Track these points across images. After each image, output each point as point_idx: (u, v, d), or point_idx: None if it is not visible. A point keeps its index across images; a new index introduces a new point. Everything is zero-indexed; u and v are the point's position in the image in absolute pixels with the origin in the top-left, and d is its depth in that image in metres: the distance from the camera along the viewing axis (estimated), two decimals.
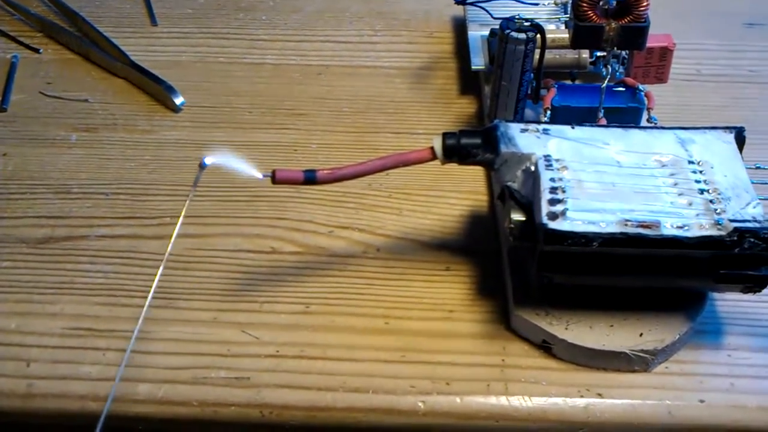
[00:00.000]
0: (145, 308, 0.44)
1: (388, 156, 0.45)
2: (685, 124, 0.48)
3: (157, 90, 0.62)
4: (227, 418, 0.44)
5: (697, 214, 0.42)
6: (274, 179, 0.44)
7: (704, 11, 0.72)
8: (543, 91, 0.55)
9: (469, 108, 0.62)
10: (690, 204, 0.43)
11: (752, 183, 0.44)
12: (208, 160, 0.43)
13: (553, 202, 0.42)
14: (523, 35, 0.51)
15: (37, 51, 0.67)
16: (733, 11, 0.72)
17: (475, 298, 0.49)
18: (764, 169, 0.48)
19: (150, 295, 0.44)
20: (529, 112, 0.56)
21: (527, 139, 0.45)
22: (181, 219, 0.44)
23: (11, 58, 0.66)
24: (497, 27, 0.54)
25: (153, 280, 0.49)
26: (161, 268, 0.44)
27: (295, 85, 0.64)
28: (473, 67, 0.60)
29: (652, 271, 0.43)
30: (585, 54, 0.58)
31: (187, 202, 0.44)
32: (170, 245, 0.44)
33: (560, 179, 0.43)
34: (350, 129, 0.60)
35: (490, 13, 0.57)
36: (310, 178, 0.44)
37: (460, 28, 0.69)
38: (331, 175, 0.45)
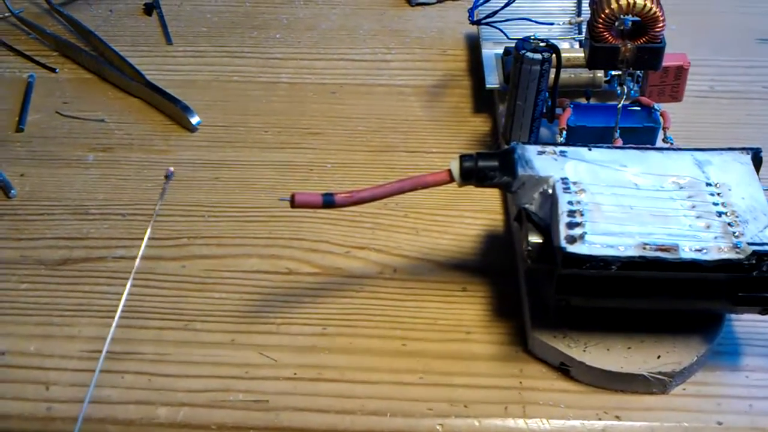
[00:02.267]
0: (113, 328, 0.44)
1: (406, 179, 0.46)
2: (699, 142, 0.48)
3: (173, 110, 0.62)
4: None
5: (716, 237, 0.42)
6: (293, 203, 0.44)
7: (717, 27, 0.72)
8: (558, 111, 0.55)
9: (483, 126, 0.62)
10: (708, 227, 0.43)
11: None
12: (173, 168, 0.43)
13: (571, 225, 0.42)
14: (538, 56, 0.52)
15: (53, 70, 0.67)
16: (746, 27, 0.72)
17: (492, 320, 0.49)
18: None
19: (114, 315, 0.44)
20: (544, 132, 0.56)
21: (544, 162, 0.45)
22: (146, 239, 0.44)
23: (28, 78, 0.66)
24: (511, 45, 0.54)
25: (170, 302, 0.50)
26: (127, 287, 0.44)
27: (309, 104, 0.64)
28: (487, 86, 0.60)
29: (670, 294, 0.43)
30: (600, 73, 0.58)
31: (153, 216, 0.44)
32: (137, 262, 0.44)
33: (578, 202, 0.43)
34: (365, 148, 0.60)
35: (504, 33, 0.57)
36: (329, 202, 0.44)
37: (473, 46, 0.69)
38: (350, 199, 0.45)
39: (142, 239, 0.53)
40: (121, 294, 0.50)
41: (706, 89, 0.65)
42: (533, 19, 0.59)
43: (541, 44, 0.52)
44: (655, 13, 0.49)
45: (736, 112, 0.64)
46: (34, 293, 0.50)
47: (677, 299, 0.44)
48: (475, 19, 0.59)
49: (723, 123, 0.63)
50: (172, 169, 0.42)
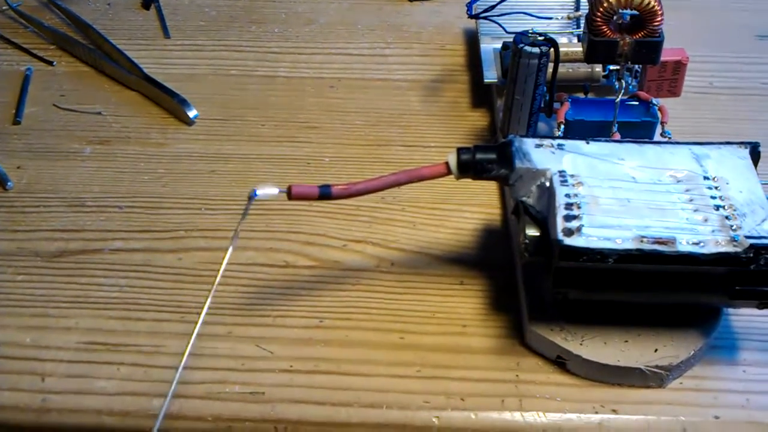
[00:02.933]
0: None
1: (403, 171, 0.46)
2: (697, 137, 0.48)
3: (170, 103, 0.62)
4: None
5: (713, 231, 0.42)
6: (290, 195, 0.44)
7: (716, 23, 0.72)
8: (556, 105, 0.55)
9: (481, 121, 0.62)
10: (706, 220, 0.43)
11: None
12: (260, 192, 0.43)
13: (568, 218, 0.42)
14: (536, 50, 0.52)
15: (50, 63, 0.67)
16: (745, 23, 0.72)
17: (489, 313, 0.49)
18: None
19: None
20: (542, 126, 0.56)
21: (542, 155, 0.45)
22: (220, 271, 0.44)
23: (25, 71, 0.66)
24: (509, 40, 0.54)
25: (167, 294, 0.50)
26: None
27: (307, 98, 0.64)
28: (486, 81, 0.60)
29: (667, 287, 0.43)
30: (598, 68, 0.58)
31: (235, 240, 0.45)
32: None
33: (575, 195, 0.43)
34: (363, 142, 0.60)
35: (503, 27, 0.57)
36: (326, 194, 0.44)
37: (472, 40, 0.69)
38: (346, 191, 0.45)
39: (140, 231, 0.53)
40: (119, 286, 0.50)
41: (705, 85, 0.65)
42: (531, 13, 0.58)
43: (540, 38, 0.52)
44: (654, 7, 0.49)
45: (734, 108, 0.64)
46: (30, 285, 0.50)
47: (674, 293, 0.44)
48: (473, 13, 0.59)
49: (722, 119, 0.63)
50: (258, 192, 0.43)
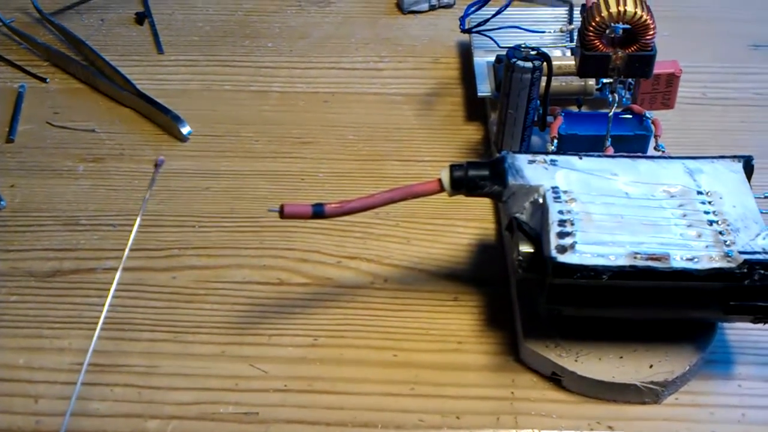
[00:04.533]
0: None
1: (396, 188, 0.45)
2: (691, 149, 0.48)
3: (164, 119, 0.62)
4: None
5: (707, 246, 0.42)
6: (282, 214, 0.44)
7: (709, 34, 0.72)
8: (550, 119, 0.54)
9: (475, 135, 0.62)
10: (699, 236, 0.42)
11: (761, 213, 0.44)
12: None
13: (561, 234, 0.42)
14: (529, 64, 0.51)
15: (44, 80, 0.67)
16: (738, 33, 0.72)
17: (483, 329, 0.49)
18: None
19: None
20: (536, 140, 0.56)
21: (535, 171, 0.45)
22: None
23: (18, 88, 0.66)
24: (503, 53, 0.54)
25: (161, 314, 0.49)
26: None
27: (301, 113, 0.64)
28: (479, 94, 0.60)
29: (661, 303, 0.43)
30: (591, 81, 0.58)
31: (142, 209, 0.44)
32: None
33: (568, 211, 0.43)
34: (357, 157, 0.60)
35: (496, 42, 0.57)
36: (318, 213, 0.44)
37: (466, 53, 0.69)
38: (339, 209, 0.45)
39: (133, 250, 0.53)
40: (112, 306, 0.50)
41: (698, 96, 0.65)
42: (524, 27, 0.58)
43: (532, 52, 0.52)
44: (646, 21, 0.49)
45: (728, 118, 0.64)
46: (23, 305, 0.50)
47: (669, 308, 0.44)
48: (466, 27, 0.59)
49: (715, 130, 0.63)
50: (163, 158, 0.42)
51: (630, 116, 0.54)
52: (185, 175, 0.59)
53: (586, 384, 0.45)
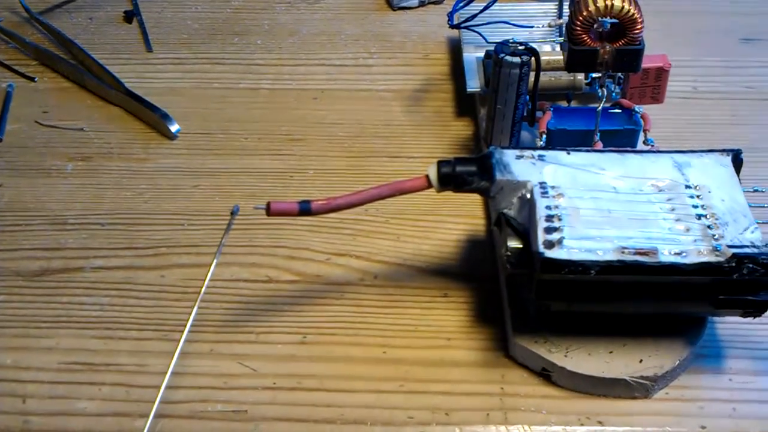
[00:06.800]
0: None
1: (384, 185, 0.45)
2: (681, 143, 0.47)
3: (152, 118, 0.62)
4: None
5: (695, 240, 0.42)
6: (269, 211, 0.44)
7: (700, 28, 0.72)
8: (539, 114, 0.54)
9: (465, 130, 0.62)
10: (687, 230, 0.42)
11: (750, 206, 0.44)
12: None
13: (549, 230, 0.42)
14: (517, 59, 0.51)
15: (32, 79, 0.67)
16: (729, 27, 0.72)
17: (473, 326, 0.49)
18: (762, 192, 0.48)
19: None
20: (525, 135, 0.55)
21: (523, 166, 0.45)
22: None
23: (6, 87, 0.66)
24: (492, 49, 0.54)
25: (149, 312, 0.49)
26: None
27: (290, 110, 0.64)
28: (468, 90, 0.60)
29: (650, 298, 0.43)
30: (581, 76, 0.57)
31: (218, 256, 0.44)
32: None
33: (556, 207, 0.43)
34: (346, 154, 0.60)
35: (484, 37, 0.56)
36: (305, 210, 0.44)
37: (455, 49, 0.69)
38: (326, 206, 0.44)
39: (122, 249, 0.53)
40: (101, 305, 0.50)
41: (689, 90, 0.65)
42: (513, 22, 0.58)
43: (520, 47, 0.52)
44: (633, 15, 0.49)
45: (719, 112, 0.63)
46: (11, 305, 0.50)
47: (658, 303, 0.44)
48: (454, 23, 0.59)
49: (706, 123, 0.62)
50: (238, 206, 0.43)
51: (619, 111, 0.54)
52: (174, 173, 0.59)
53: (576, 379, 0.45)
